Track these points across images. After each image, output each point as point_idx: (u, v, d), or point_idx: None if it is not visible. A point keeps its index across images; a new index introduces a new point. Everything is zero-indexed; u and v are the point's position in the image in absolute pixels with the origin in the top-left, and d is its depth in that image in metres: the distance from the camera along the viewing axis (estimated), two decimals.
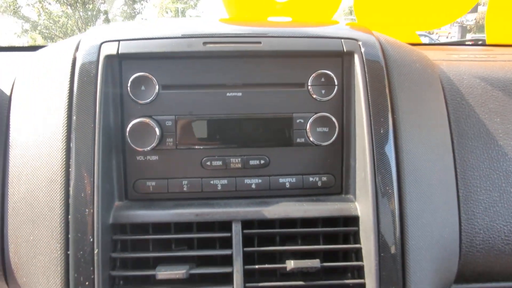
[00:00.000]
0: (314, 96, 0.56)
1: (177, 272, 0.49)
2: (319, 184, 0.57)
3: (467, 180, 0.57)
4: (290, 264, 0.51)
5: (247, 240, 0.52)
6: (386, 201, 0.52)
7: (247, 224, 0.53)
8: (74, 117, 0.51)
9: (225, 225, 0.53)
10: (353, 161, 0.55)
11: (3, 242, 0.52)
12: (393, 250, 0.51)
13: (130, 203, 0.55)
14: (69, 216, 0.49)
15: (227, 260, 0.52)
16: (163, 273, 0.49)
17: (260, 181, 0.56)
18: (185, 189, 0.55)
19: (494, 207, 0.57)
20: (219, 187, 0.56)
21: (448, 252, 0.55)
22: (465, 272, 0.59)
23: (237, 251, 0.51)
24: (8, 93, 0.56)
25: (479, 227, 0.57)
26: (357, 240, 0.54)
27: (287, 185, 0.56)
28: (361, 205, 0.54)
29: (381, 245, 0.51)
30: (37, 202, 0.51)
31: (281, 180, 0.56)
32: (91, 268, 0.48)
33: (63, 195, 0.50)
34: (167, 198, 0.55)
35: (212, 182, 0.56)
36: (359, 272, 0.53)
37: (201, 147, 0.55)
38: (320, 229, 0.54)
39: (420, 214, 0.53)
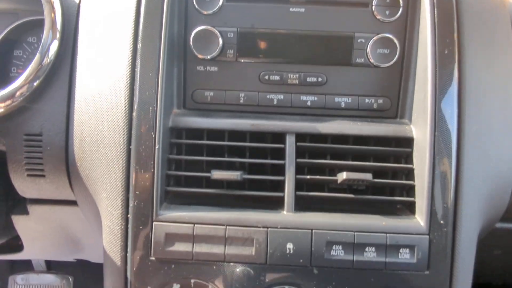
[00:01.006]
0: (378, 16, 0.55)
1: (232, 173, 0.51)
2: (375, 106, 0.56)
3: None
4: (342, 176, 0.51)
5: (299, 155, 0.53)
6: (445, 122, 0.51)
7: (300, 138, 0.53)
8: (141, 24, 0.52)
9: (279, 138, 0.53)
10: (412, 84, 0.54)
11: (68, 137, 0.54)
12: (447, 170, 0.50)
13: (187, 111, 0.56)
14: (133, 113, 0.51)
15: (279, 172, 0.52)
16: (218, 173, 0.51)
17: (315, 98, 0.56)
18: (241, 101, 0.56)
19: None
20: (275, 102, 0.56)
21: (503, 180, 0.54)
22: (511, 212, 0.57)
23: (290, 161, 0.52)
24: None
25: None
26: (409, 162, 0.53)
27: (342, 104, 0.56)
28: (417, 127, 0.53)
29: (435, 165, 0.50)
30: (102, 99, 0.52)
31: (337, 99, 0.56)
32: (152, 162, 0.50)
33: (128, 92, 0.51)
34: (223, 109, 0.56)
35: (268, 96, 0.56)
36: (408, 192, 0.53)
37: (260, 61, 0.56)
38: (373, 147, 0.53)
39: (478, 136, 0.52)
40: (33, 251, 0.72)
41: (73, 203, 0.59)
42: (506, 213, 0.58)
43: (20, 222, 0.63)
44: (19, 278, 1.22)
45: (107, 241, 0.51)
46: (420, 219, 0.50)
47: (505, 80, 0.54)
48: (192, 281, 0.50)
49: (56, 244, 0.73)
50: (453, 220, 0.51)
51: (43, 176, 0.54)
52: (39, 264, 1.30)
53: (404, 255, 0.50)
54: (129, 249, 0.50)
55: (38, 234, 0.67)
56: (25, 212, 0.61)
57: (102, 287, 1.27)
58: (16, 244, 0.69)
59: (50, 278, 1.22)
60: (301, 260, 0.49)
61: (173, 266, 0.49)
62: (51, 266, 1.32)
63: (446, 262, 0.50)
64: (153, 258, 0.49)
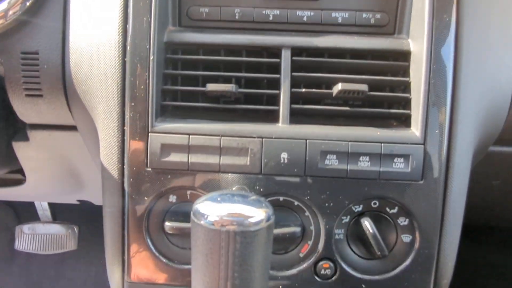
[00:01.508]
0: None
1: (226, 85, 0.50)
2: (372, 21, 0.55)
3: None
4: (337, 87, 0.50)
5: (294, 69, 0.52)
6: (442, 35, 0.50)
7: (296, 53, 0.52)
8: None
9: (274, 53, 0.53)
10: None
11: (64, 54, 0.54)
12: (443, 82, 0.50)
13: (183, 28, 0.55)
14: (128, 25, 0.50)
15: (274, 87, 0.52)
16: (213, 85, 0.50)
17: (312, 13, 0.55)
18: (237, 17, 0.55)
19: None
20: (271, 18, 0.55)
21: (501, 94, 0.53)
22: (508, 132, 0.57)
23: (285, 74, 0.51)
24: None
25: None
26: (406, 76, 0.52)
27: (339, 20, 0.55)
28: (414, 41, 0.52)
29: (432, 77, 0.50)
30: (97, 13, 0.52)
31: (334, 14, 0.55)
32: (146, 74, 0.50)
33: (122, 6, 0.51)
34: (218, 26, 0.55)
35: (264, 12, 0.55)
36: (404, 106, 0.52)
37: None
38: (370, 61, 0.52)
39: (476, 49, 0.52)
40: (35, 184, 0.73)
41: (73, 128, 0.59)
42: (503, 133, 0.57)
43: (21, 150, 0.64)
44: (26, 228, 1.25)
45: (104, 154, 0.52)
46: (415, 129, 0.50)
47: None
48: (188, 192, 0.50)
49: (56, 177, 0.74)
50: (449, 131, 0.50)
51: (41, 96, 0.54)
52: (45, 214, 1.33)
53: (399, 165, 0.50)
54: (125, 161, 0.50)
55: (39, 163, 0.68)
56: (26, 138, 0.62)
57: None
58: (18, 178, 0.70)
59: (56, 227, 1.25)
60: (295, 170, 0.49)
61: (169, 176, 0.50)
62: (57, 216, 1.36)
63: (441, 172, 0.50)
64: (149, 169, 0.50)
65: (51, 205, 1.26)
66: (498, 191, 0.76)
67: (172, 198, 0.51)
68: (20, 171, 0.69)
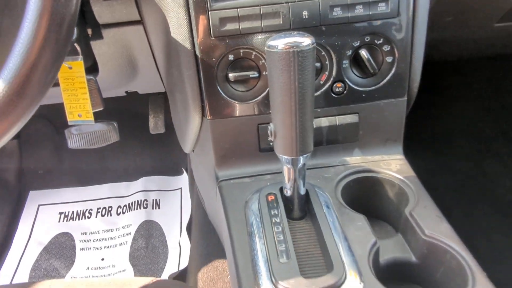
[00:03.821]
0: None
1: None
2: None
3: None
4: None
5: None
6: None
7: None
8: None
9: None
10: None
11: None
12: None
13: None
14: None
15: None
16: None
17: None
18: None
19: None
20: None
21: None
22: None
23: None
24: None
25: None
26: None
27: None
28: None
29: None
30: None
31: None
32: None
33: None
34: None
35: None
36: None
37: None
38: None
39: None
40: (104, 76, 0.90)
41: (137, 23, 0.76)
42: None
43: (97, 47, 0.80)
44: (73, 129, 1.44)
45: (177, 32, 0.69)
46: None
47: None
48: (241, 50, 0.70)
49: (120, 68, 0.92)
50: None
51: None
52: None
53: (382, 8, 0.68)
54: (194, 34, 0.68)
55: (109, 57, 0.85)
56: (100, 37, 0.78)
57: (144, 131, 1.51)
58: (95, 68, 0.87)
59: (98, 125, 1.44)
60: (313, 22, 0.68)
61: (227, 40, 0.68)
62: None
63: (409, 10, 0.70)
64: (213, 38, 0.68)
65: None
66: (452, 26, 0.98)
67: (231, 57, 0.70)
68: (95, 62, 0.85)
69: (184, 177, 1.50)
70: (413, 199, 0.66)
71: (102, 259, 1.32)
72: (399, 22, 0.70)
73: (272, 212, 0.63)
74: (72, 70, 0.68)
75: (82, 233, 1.41)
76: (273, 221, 0.62)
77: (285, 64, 0.53)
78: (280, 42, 0.53)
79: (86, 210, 1.47)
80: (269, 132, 0.60)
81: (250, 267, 0.58)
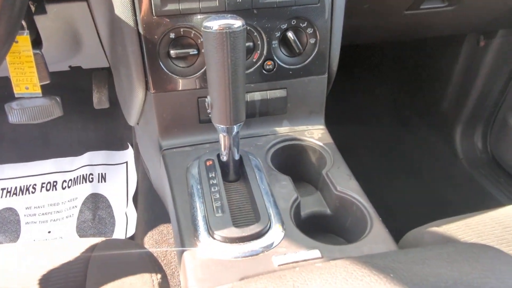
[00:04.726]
0: None
1: None
2: None
3: None
4: None
5: None
6: None
7: None
8: None
9: None
10: None
11: None
12: None
13: None
14: None
15: None
16: None
17: None
18: None
19: None
20: None
21: None
22: None
23: None
24: None
25: None
26: None
27: None
28: None
29: None
30: None
31: None
32: None
33: None
34: None
35: None
36: None
37: None
38: None
39: None
40: (47, 51, 0.90)
41: None
42: None
43: (40, 21, 0.81)
44: (14, 104, 1.40)
45: (120, 11, 0.72)
46: None
47: None
48: (181, 29, 0.75)
49: (63, 43, 0.92)
50: None
51: None
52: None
53: None
54: (137, 13, 0.72)
55: (53, 31, 0.85)
56: (44, 11, 0.78)
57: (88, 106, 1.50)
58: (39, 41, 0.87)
59: (41, 100, 1.40)
60: (246, 5, 0.75)
61: (168, 20, 0.73)
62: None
63: None
64: (155, 17, 0.72)
65: None
66: (368, 13, 1.09)
67: (172, 35, 0.75)
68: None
69: (130, 151, 1.53)
70: (330, 162, 0.77)
71: (49, 232, 1.33)
72: (320, 8, 0.79)
73: (210, 175, 0.70)
74: (18, 44, 0.69)
75: (27, 208, 1.40)
76: (211, 182, 0.69)
77: (219, 43, 0.59)
78: (215, 24, 0.59)
79: (30, 185, 1.46)
80: (206, 104, 0.67)
81: (190, 222, 0.65)
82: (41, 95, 0.76)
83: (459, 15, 1.18)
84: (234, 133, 0.68)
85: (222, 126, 0.67)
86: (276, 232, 0.62)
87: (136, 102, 0.83)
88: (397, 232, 0.69)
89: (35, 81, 0.73)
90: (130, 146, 1.54)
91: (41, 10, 0.79)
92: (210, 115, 0.67)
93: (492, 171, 1.54)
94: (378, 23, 1.15)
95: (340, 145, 0.81)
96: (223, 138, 0.69)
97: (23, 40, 0.69)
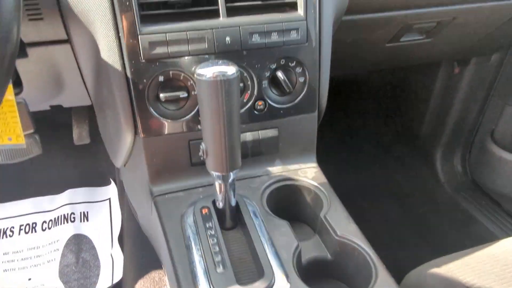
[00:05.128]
0: None
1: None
2: None
3: None
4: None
5: None
6: None
7: None
8: None
9: None
10: None
11: None
12: None
13: None
14: None
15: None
16: None
17: None
18: None
19: None
20: None
21: None
22: (352, 5, 0.87)
23: None
24: None
25: None
26: None
27: None
28: None
29: None
30: None
31: None
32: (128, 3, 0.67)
33: None
34: None
35: None
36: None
37: None
38: None
39: None
40: (28, 93, 0.85)
41: (64, 42, 0.74)
42: (349, 6, 0.87)
43: (21, 65, 0.76)
44: None
45: (107, 56, 0.69)
46: (300, 11, 0.75)
47: None
48: (170, 72, 0.72)
49: (46, 85, 0.88)
50: (319, 10, 0.77)
51: (42, 19, 0.68)
52: None
53: (293, 35, 0.75)
54: (125, 57, 0.69)
55: (34, 74, 0.81)
56: (25, 55, 0.74)
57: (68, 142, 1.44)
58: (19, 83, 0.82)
59: None
60: (235, 47, 0.73)
61: (157, 63, 0.70)
62: None
63: (316, 37, 0.78)
64: (143, 60, 0.70)
65: None
66: (352, 46, 1.10)
67: (161, 78, 0.72)
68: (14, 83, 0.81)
69: (112, 187, 1.47)
70: (326, 203, 0.75)
71: (29, 279, 1.24)
72: (309, 47, 0.78)
73: (207, 225, 0.67)
74: None
75: (4, 253, 1.30)
76: (208, 233, 0.65)
77: (213, 91, 0.57)
78: (208, 71, 0.57)
79: (7, 228, 1.36)
80: (201, 151, 0.64)
81: (190, 278, 0.61)
82: (25, 146, 0.71)
83: (436, 46, 1.21)
84: (230, 180, 0.65)
85: (218, 173, 0.64)
86: (281, 285, 0.59)
87: (124, 146, 0.79)
88: (387, 260, 0.66)
89: (18, 132, 0.69)
90: (112, 182, 1.48)
91: (22, 54, 0.75)
92: (204, 162, 0.64)
93: (474, 194, 1.56)
94: (361, 55, 1.16)
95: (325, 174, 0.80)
96: (218, 185, 0.66)
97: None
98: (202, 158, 0.64)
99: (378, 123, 1.86)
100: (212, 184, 0.68)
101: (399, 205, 1.59)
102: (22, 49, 0.74)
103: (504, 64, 1.41)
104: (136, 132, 0.76)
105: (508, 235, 1.28)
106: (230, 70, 0.57)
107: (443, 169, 1.64)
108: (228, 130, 0.60)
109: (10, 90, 0.64)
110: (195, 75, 0.59)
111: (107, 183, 1.50)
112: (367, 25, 0.98)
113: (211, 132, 0.60)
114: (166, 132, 0.76)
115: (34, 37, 0.72)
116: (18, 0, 0.47)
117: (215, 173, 0.64)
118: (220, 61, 0.59)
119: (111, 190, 1.46)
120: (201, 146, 0.63)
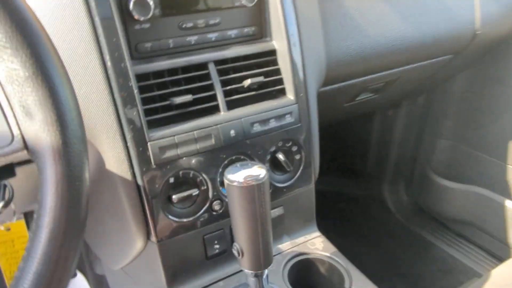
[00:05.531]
0: None
1: (186, 97, 0.70)
2: (251, 32, 0.79)
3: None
4: (247, 82, 0.76)
5: (219, 74, 0.74)
6: (292, 37, 0.79)
7: (217, 63, 0.74)
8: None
9: (203, 67, 0.73)
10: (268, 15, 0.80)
11: None
12: (294, 64, 0.79)
13: (137, 61, 0.69)
14: (108, 70, 0.63)
15: (209, 89, 0.73)
16: (178, 98, 0.69)
17: (217, 34, 0.74)
18: (171, 46, 0.72)
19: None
20: (193, 42, 0.74)
21: (321, 64, 0.89)
22: (329, 78, 0.94)
23: (215, 80, 0.73)
24: None
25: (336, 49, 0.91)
26: (276, 64, 0.80)
27: (233, 35, 0.78)
28: (277, 41, 0.80)
29: (293, 63, 0.79)
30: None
31: (230, 32, 0.77)
32: (134, 102, 0.64)
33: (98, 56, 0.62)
34: (160, 54, 0.71)
35: (187, 39, 0.73)
36: (281, 83, 0.81)
37: (178, 15, 0.71)
38: (256, 60, 0.78)
39: (310, 44, 0.83)
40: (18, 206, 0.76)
41: None
42: (324, 80, 0.94)
43: (10, 183, 0.67)
44: None
45: (115, 167, 0.66)
46: (290, 96, 0.80)
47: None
48: (180, 172, 0.70)
49: (34, 198, 0.78)
50: (305, 92, 0.82)
51: None
52: None
53: (288, 118, 0.79)
54: (135, 165, 0.66)
55: (23, 191, 0.72)
56: (13, 174, 0.66)
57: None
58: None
59: None
60: (239, 138, 0.74)
61: (168, 166, 0.68)
62: None
63: (307, 115, 0.83)
64: (154, 166, 0.67)
65: None
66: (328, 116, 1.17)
67: (171, 180, 0.70)
68: None
69: (80, 280, 1.31)
70: (346, 275, 0.77)
71: None
72: (302, 127, 0.82)
73: None
74: (11, 231, 0.56)
75: None
76: None
77: (249, 195, 0.57)
78: (239, 176, 0.57)
79: None
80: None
81: None
82: None
83: (380, 99, 1.35)
84: (264, 276, 0.64)
85: (252, 271, 0.63)
86: None
87: (131, 251, 0.74)
88: None
89: None
90: (79, 274, 1.33)
91: (10, 174, 0.67)
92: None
93: (421, 219, 1.72)
94: (322, 114, 1.24)
95: None
96: (253, 282, 0.65)
97: (17, 226, 0.56)
98: (216, 251, 0.65)
99: (330, 164, 1.97)
100: (230, 275, 0.67)
101: (364, 241, 1.68)
102: (10, 170, 0.66)
103: (431, 103, 1.61)
104: (148, 238, 0.71)
105: (464, 255, 1.43)
106: (261, 172, 0.58)
107: (392, 200, 1.79)
108: (264, 230, 0.60)
109: (22, 226, 0.56)
110: (224, 180, 0.58)
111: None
112: (334, 93, 1.06)
113: (246, 233, 0.60)
114: (180, 233, 0.73)
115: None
116: (83, 128, 0.44)
117: (250, 271, 0.63)
118: (249, 163, 0.60)
119: (79, 284, 1.30)
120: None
